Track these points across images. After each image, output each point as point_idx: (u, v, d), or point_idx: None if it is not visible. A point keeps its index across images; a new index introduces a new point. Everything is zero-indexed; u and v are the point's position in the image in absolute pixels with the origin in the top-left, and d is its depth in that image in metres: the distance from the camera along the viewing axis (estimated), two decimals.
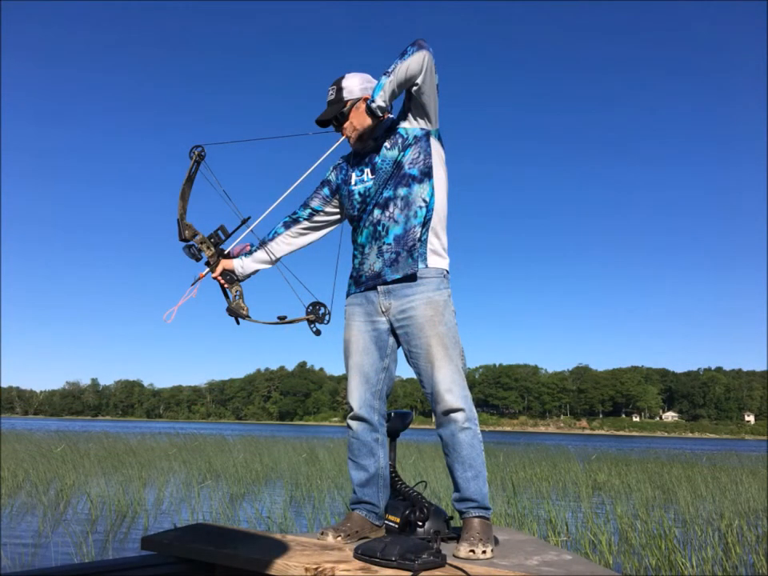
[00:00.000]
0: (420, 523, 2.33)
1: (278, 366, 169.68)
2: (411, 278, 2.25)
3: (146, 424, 74.79)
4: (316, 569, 1.69)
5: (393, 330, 2.32)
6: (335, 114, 2.35)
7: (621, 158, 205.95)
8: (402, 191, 2.27)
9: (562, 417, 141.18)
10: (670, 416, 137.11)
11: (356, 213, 2.36)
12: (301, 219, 2.51)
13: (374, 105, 2.21)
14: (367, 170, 2.34)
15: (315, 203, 2.50)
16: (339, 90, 2.35)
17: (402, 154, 2.29)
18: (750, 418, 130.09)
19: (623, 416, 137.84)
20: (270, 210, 2.42)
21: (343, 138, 2.37)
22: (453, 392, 2.18)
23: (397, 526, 2.36)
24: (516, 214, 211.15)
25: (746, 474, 11.19)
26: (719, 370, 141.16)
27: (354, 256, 2.42)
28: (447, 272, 2.32)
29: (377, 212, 2.30)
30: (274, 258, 2.49)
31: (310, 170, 2.38)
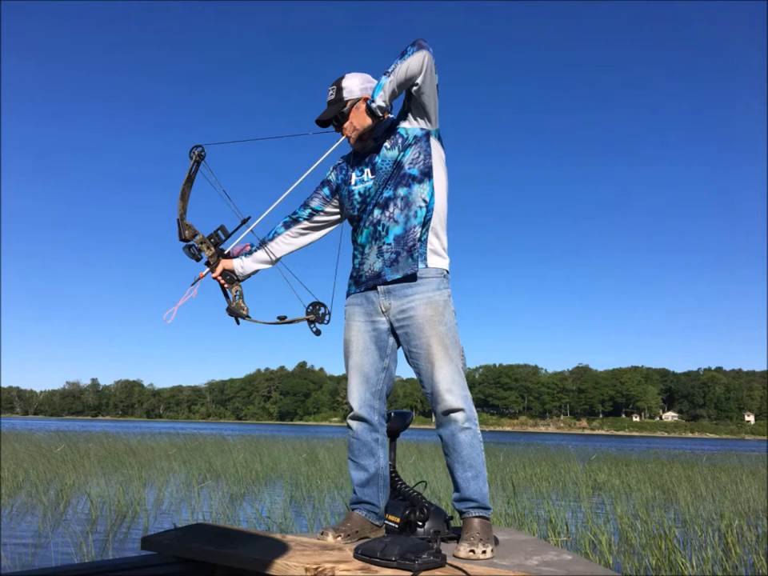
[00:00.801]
0: (420, 523, 2.33)
1: (278, 366, 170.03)
2: (411, 278, 2.25)
3: (146, 424, 74.78)
4: (316, 569, 1.69)
5: (393, 330, 2.32)
6: (335, 114, 2.35)
7: (621, 158, 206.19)
8: (402, 191, 2.27)
9: (561, 417, 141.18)
10: (670, 416, 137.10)
11: (356, 213, 2.36)
12: (301, 219, 2.51)
13: (373, 105, 2.21)
14: (367, 170, 2.34)
15: (315, 203, 2.50)
16: (339, 89, 2.35)
17: (402, 154, 2.29)
18: (750, 418, 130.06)
19: (623, 416, 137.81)
20: (270, 210, 2.42)
21: (343, 137, 2.37)
22: (453, 392, 2.18)
23: (397, 525, 2.37)
24: (516, 214, 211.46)
25: (746, 474, 11.19)
26: (719, 369, 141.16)
27: (354, 256, 2.42)
28: (447, 272, 2.32)
29: (377, 212, 2.30)
30: (274, 258, 2.49)
31: (310, 170, 2.38)
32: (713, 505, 7.10)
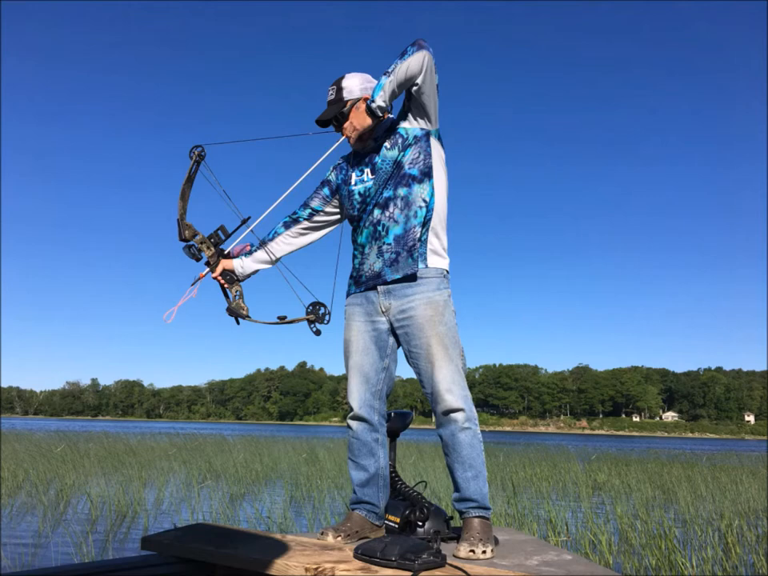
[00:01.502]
0: (420, 523, 2.33)
1: (278, 366, 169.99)
2: (411, 278, 2.25)
3: (146, 424, 74.77)
4: (316, 569, 1.69)
5: (393, 330, 2.32)
6: (335, 114, 2.35)
7: (621, 158, 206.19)
8: (402, 191, 2.27)
9: (561, 417, 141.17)
10: (669, 416, 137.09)
11: (356, 213, 2.36)
12: (301, 219, 2.51)
13: (373, 105, 2.21)
14: (367, 170, 2.34)
15: (315, 203, 2.50)
16: (339, 89, 2.35)
17: (402, 154, 2.29)
18: (750, 418, 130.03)
19: (623, 416, 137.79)
20: (270, 210, 2.42)
21: (343, 138, 2.38)
22: (453, 392, 2.18)
23: (397, 525, 2.37)
24: (516, 214, 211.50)
25: (746, 474, 11.19)
26: (719, 369, 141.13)
27: (354, 256, 2.42)
28: (447, 272, 2.32)
29: (377, 212, 2.30)
30: (274, 258, 2.49)
31: (310, 170, 2.38)
32: (713, 505, 7.10)
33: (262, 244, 2.49)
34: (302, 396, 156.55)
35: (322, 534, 2.25)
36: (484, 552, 2.04)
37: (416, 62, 2.14)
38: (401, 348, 2.34)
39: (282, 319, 2.38)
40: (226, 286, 2.45)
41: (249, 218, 2.43)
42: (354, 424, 2.34)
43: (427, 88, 2.22)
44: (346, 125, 2.34)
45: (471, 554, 2.03)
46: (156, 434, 22.18)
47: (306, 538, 2.12)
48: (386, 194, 2.29)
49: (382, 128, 2.35)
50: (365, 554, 1.78)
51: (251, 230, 2.45)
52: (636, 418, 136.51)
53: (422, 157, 2.29)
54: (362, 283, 2.35)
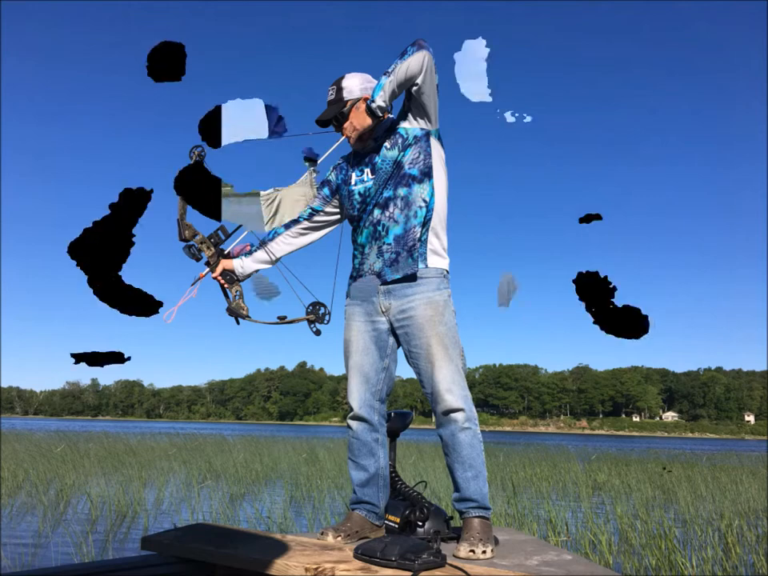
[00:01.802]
0: (420, 523, 2.33)
1: (278, 366, 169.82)
2: (411, 278, 2.25)
3: (146, 424, 74.73)
4: (316, 569, 1.69)
5: (393, 330, 2.32)
6: (335, 114, 2.35)
7: (621, 158, 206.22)
8: (402, 191, 2.27)
9: (561, 417, 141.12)
10: (669, 416, 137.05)
11: (356, 213, 2.36)
12: (301, 219, 2.51)
13: (373, 105, 2.21)
14: (367, 170, 2.34)
15: (315, 203, 2.51)
16: (339, 89, 2.35)
17: (402, 154, 2.29)
18: (750, 418, 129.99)
19: (623, 416, 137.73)
20: None
21: (343, 137, 2.38)
22: (453, 392, 2.18)
23: (397, 525, 2.37)
24: (516, 214, 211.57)
25: (746, 474, 11.19)
26: (719, 369, 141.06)
27: (354, 256, 2.42)
28: (447, 272, 2.32)
29: (377, 212, 2.30)
30: (274, 258, 2.49)
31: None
32: (713, 505, 7.10)
33: (262, 244, 2.49)
34: (302, 396, 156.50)
35: (321, 533, 2.25)
36: (484, 552, 2.04)
37: (416, 62, 2.14)
38: (401, 348, 2.34)
39: (282, 319, 2.38)
40: (226, 286, 2.45)
41: None
42: (353, 424, 2.34)
43: (427, 88, 2.22)
44: (346, 125, 2.34)
45: (471, 554, 2.03)
46: (156, 434, 22.18)
47: (306, 538, 2.12)
48: (386, 194, 2.29)
49: (382, 128, 2.35)
50: (365, 554, 1.78)
51: (251, 230, 2.45)
52: (636, 418, 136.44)
53: (422, 157, 2.29)
54: None
